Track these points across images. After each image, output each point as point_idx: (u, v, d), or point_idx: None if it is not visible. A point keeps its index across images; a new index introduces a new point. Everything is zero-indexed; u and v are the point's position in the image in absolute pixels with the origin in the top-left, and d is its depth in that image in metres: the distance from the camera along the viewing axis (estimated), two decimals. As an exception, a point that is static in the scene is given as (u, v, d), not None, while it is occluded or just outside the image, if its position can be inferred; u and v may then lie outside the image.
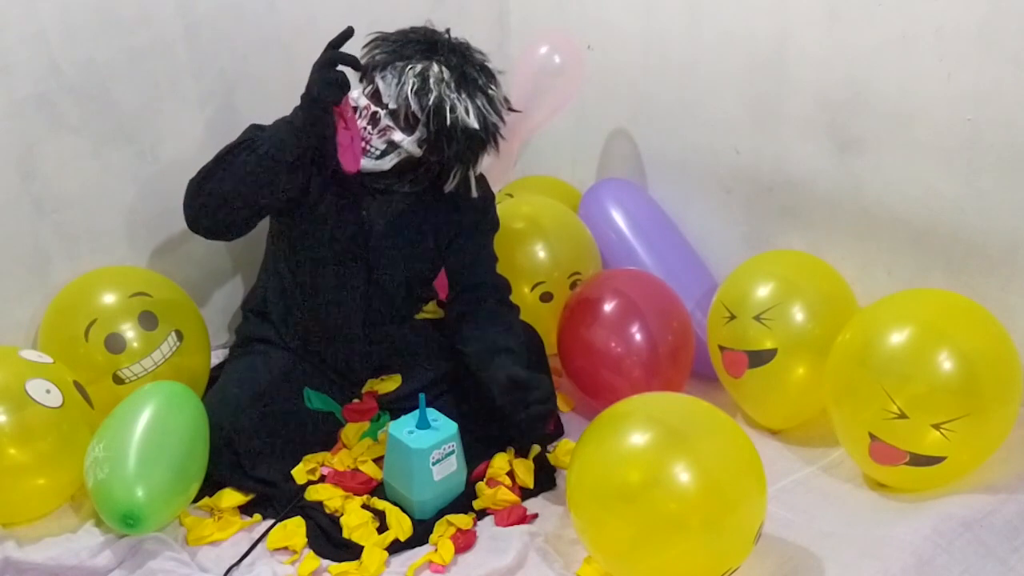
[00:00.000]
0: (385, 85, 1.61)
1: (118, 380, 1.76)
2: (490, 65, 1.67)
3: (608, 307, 1.84)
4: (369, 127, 1.62)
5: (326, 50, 1.53)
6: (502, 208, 2.14)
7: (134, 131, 1.91)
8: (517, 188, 2.39)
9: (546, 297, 2.02)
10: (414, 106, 1.58)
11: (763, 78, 1.89)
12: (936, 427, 1.42)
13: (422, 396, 1.61)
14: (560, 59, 2.17)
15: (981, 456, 1.48)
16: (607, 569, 1.42)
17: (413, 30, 1.66)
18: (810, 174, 1.86)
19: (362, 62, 1.61)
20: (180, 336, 1.83)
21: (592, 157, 2.40)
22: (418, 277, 1.81)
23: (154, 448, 1.51)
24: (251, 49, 2.01)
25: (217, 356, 2.02)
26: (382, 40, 1.65)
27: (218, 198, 1.58)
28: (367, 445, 1.73)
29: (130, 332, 1.77)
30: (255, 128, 1.64)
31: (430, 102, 1.58)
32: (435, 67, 1.59)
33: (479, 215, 1.79)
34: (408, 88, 1.58)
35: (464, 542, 1.53)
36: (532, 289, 2.01)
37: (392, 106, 1.61)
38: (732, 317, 1.76)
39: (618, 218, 2.14)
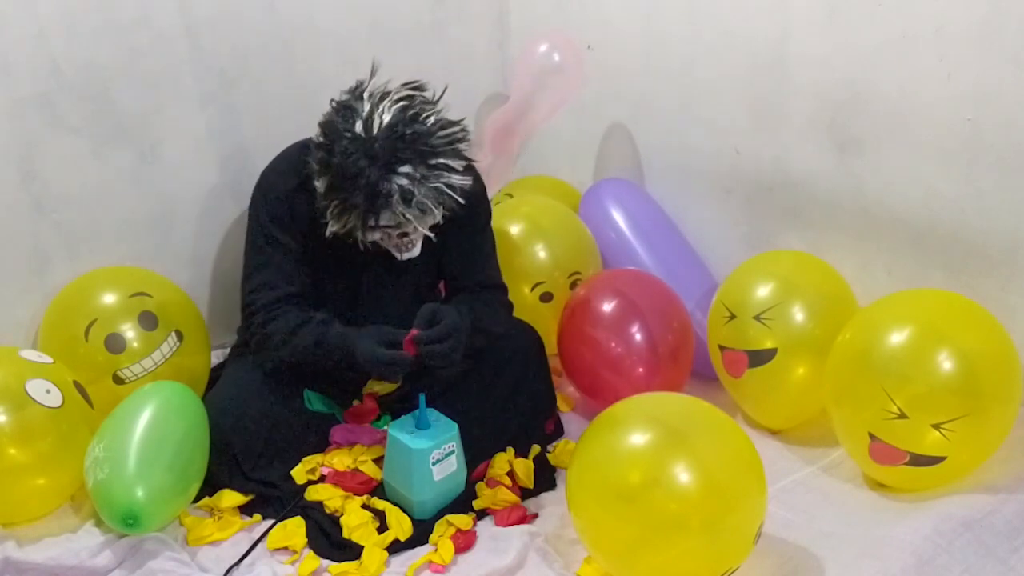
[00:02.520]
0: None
1: (118, 380, 1.77)
2: (427, 123, 1.51)
3: (608, 307, 1.84)
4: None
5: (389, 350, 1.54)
6: (502, 208, 2.14)
7: (134, 131, 1.91)
8: (517, 188, 2.39)
9: (546, 297, 2.02)
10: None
11: (763, 78, 1.88)
12: (936, 427, 1.42)
13: (422, 396, 1.60)
14: (559, 57, 2.18)
15: (981, 456, 1.48)
16: (607, 569, 1.42)
17: (342, 180, 1.49)
18: (810, 174, 1.86)
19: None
20: (180, 336, 1.83)
21: (592, 157, 2.40)
22: (424, 286, 1.81)
23: (154, 448, 1.51)
24: (251, 49, 2.01)
25: (217, 356, 2.02)
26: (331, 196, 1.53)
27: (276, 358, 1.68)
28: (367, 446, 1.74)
29: (130, 332, 1.77)
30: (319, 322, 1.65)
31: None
32: (386, 215, 1.51)
33: (471, 209, 1.70)
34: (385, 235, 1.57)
35: (464, 542, 1.53)
36: (532, 289, 2.01)
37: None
38: (732, 317, 1.76)
39: (618, 218, 2.14)
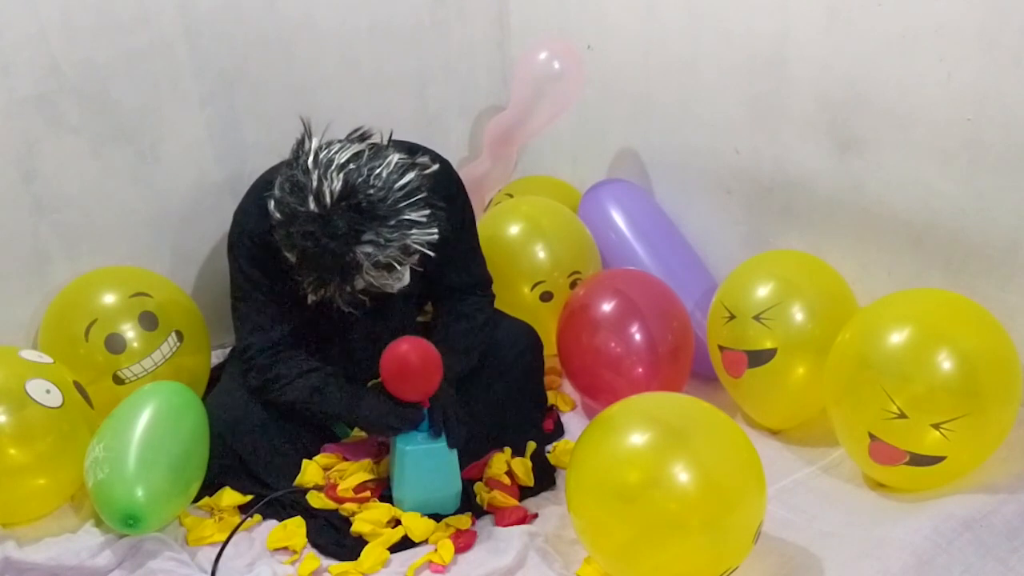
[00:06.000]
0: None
1: (118, 380, 1.77)
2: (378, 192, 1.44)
3: (608, 307, 1.84)
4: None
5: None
6: (502, 208, 2.15)
7: (134, 131, 1.91)
8: (517, 188, 2.39)
9: (546, 297, 2.02)
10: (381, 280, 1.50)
11: (763, 78, 1.88)
12: (936, 427, 1.42)
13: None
14: (560, 65, 2.17)
15: (981, 456, 1.48)
16: (607, 569, 1.42)
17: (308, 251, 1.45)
18: (810, 174, 1.86)
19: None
20: (180, 336, 1.83)
21: (592, 157, 2.40)
22: (418, 296, 1.80)
23: (154, 448, 1.51)
24: (251, 49, 2.01)
25: (217, 356, 2.02)
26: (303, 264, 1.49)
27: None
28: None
29: (130, 332, 1.77)
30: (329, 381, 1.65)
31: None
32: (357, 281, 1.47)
33: (455, 214, 1.68)
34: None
35: (464, 542, 1.53)
36: (532, 289, 2.01)
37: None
38: (732, 317, 1.76)
39: (618, 218, 2.14)
